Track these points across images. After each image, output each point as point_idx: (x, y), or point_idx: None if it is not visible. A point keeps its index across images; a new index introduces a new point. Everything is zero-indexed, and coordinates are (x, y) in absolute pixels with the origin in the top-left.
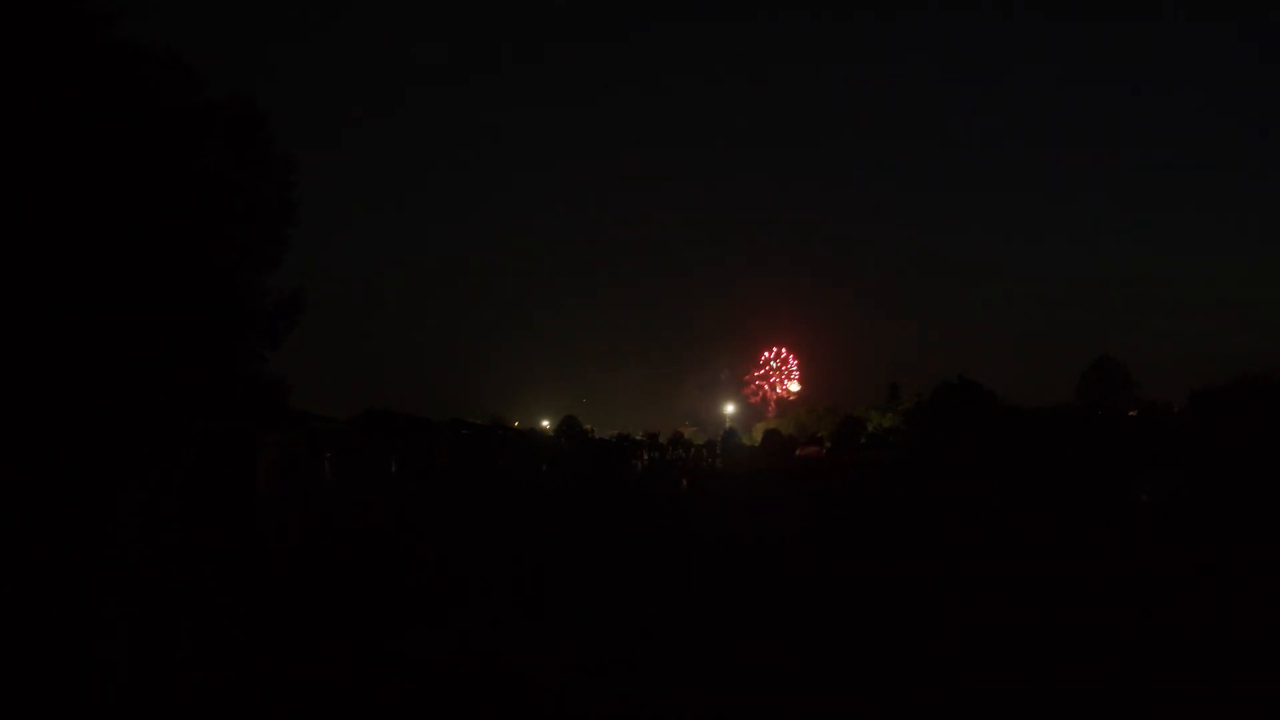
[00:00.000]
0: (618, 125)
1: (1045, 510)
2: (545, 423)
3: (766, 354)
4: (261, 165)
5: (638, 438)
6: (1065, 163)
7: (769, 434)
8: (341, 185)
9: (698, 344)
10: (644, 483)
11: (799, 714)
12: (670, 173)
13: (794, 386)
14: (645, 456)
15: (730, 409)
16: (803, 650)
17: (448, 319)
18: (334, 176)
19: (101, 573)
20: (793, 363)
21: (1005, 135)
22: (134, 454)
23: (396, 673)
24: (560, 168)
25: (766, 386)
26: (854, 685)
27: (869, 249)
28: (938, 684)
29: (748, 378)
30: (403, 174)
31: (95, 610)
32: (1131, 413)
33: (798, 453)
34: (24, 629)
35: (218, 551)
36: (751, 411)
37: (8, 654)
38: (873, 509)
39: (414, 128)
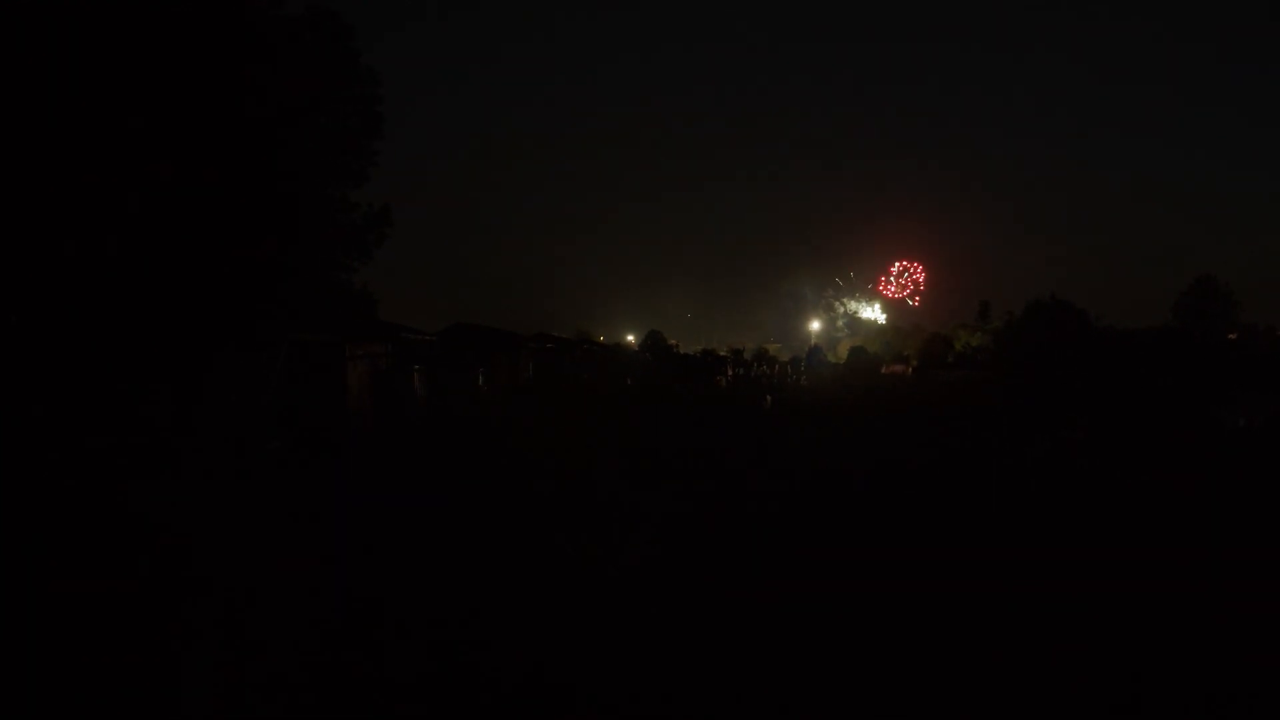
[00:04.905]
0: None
1: (1134, 437)
2: (630, 337)
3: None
4: (346, 80)
5: (722, 353)
6: (1171, 74)
7: (854, 351)
8: (432, 97)
9: (786, 262)
10: (728, 399)
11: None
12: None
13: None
14: (730, 372)
15: (816, 326)
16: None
17: (538, 233)
18: (421, 88)
19: (196, 476)
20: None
21: (1099, 43)
22: (228, 364)
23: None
24: (652, 75)
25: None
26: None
27: (961, 165)
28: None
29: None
30: (500, 81)
31: (189, 513)
32: (1231, 335)
33: (883, 371)
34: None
35: (310, 457)
36: (845, 325)
37: (100, 542)
38: (955, 435)
39: (506, 40)
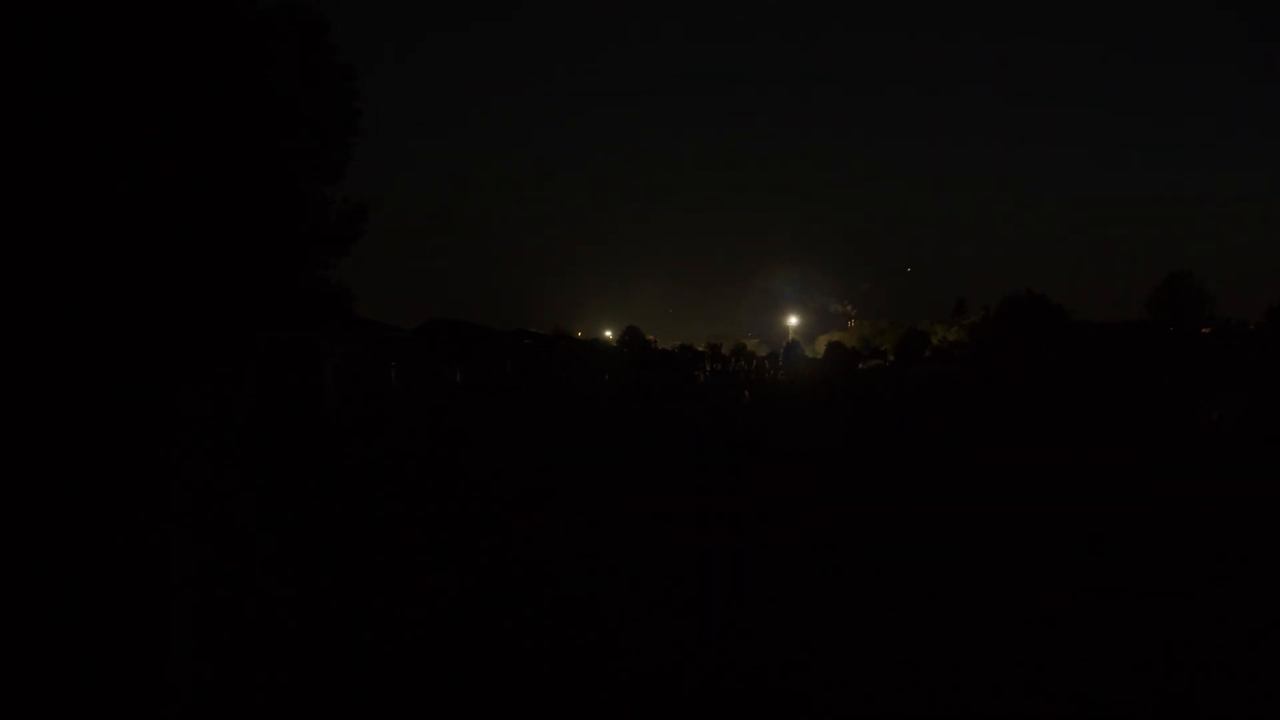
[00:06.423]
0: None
1: (1106, 428)
2: (608, 333)
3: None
4: (323, 75)
5: (700, 349)
6: (1142, 78)
7: (832, 346)
8: (411, 98)
9: (764, 257)
10: (705, 394)
11: None
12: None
13: None
14: (707, 368)
15: (793, 321)
16: None
17: (517, 230)
18: (405, 90)
19: (167, 480)
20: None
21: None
22: (202, 363)
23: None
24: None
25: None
26: None
27: (937, 164)
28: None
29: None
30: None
31: (160, 516)
32: (1205, 330)
33: (860, 366)
34: (85, 536)
35: (285, 457)
36: (819, 321)
37: (65, 560)
38: (927, 427)
39: (485, 43)
